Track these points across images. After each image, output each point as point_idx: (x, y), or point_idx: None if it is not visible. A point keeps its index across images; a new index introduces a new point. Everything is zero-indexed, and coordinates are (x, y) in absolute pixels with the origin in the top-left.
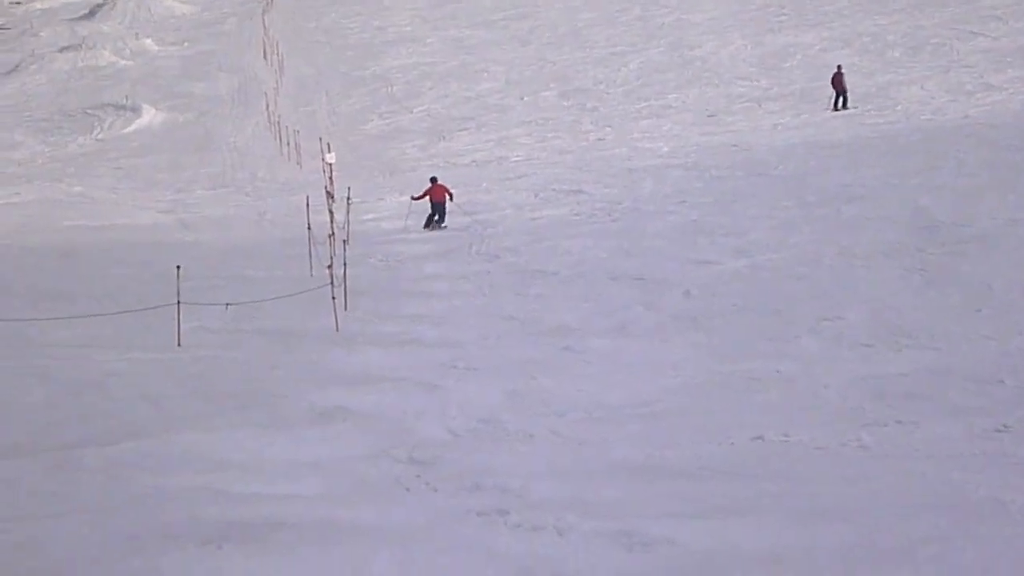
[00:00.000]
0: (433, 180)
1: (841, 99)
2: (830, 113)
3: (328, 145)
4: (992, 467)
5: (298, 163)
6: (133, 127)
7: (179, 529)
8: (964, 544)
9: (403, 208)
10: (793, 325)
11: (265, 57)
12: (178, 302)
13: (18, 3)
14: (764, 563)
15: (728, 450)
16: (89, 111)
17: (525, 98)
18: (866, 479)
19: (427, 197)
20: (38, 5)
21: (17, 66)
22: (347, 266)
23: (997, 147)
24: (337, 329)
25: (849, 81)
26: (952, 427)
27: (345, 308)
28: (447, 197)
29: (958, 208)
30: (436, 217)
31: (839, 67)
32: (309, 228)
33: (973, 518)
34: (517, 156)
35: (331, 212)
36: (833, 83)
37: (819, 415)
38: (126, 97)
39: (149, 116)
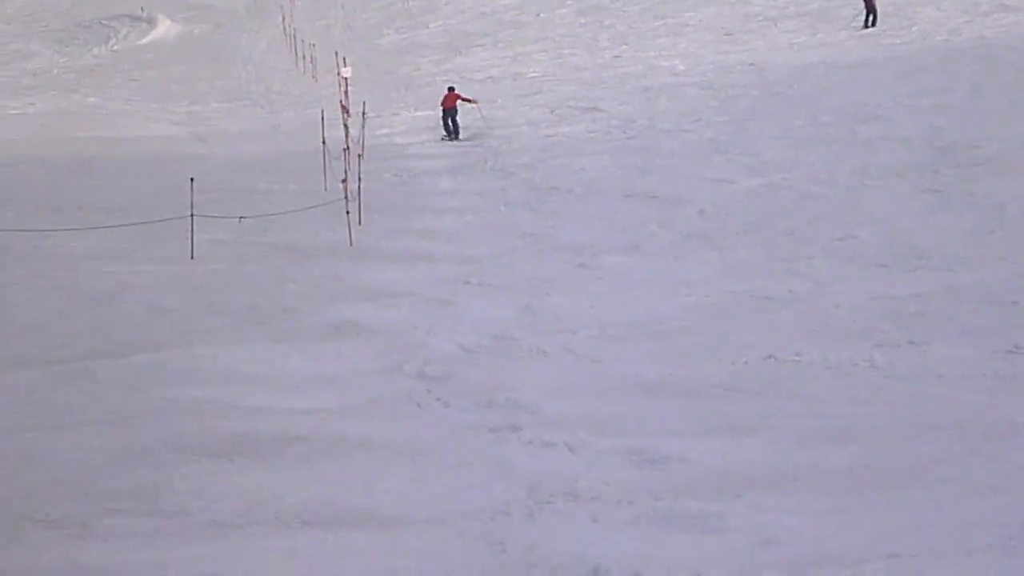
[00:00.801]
0: (450, 89)
1: (871, 17)
2: (862, 31)
3: (343, 59)
4: (1004, 388)
5: (313, 77)
6: (148, 39)
7: (191, 442)
8: (975, 465)
9: (418, 123)
10: (807, 245)
11: None
12: (191, 215)
13: None
14: (774, 481)
15: (740, 369)
16: (104, 22)
17: (541, 15)
18: (877, 399)
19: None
20: None
21: None
22: (361, 181)
23: (1013, 68)
24: (351, 244)
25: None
26: (964, 348)
27: (359, 223)
28: (457, 104)
29: (972, 129)
30: (446, 124)
31: None
32: (324, 142)
33: (984, 440)
34: (533, 73)
35: (346, 126)
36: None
37: (831, 335)
38: (142, 8)
39: (164, 28)
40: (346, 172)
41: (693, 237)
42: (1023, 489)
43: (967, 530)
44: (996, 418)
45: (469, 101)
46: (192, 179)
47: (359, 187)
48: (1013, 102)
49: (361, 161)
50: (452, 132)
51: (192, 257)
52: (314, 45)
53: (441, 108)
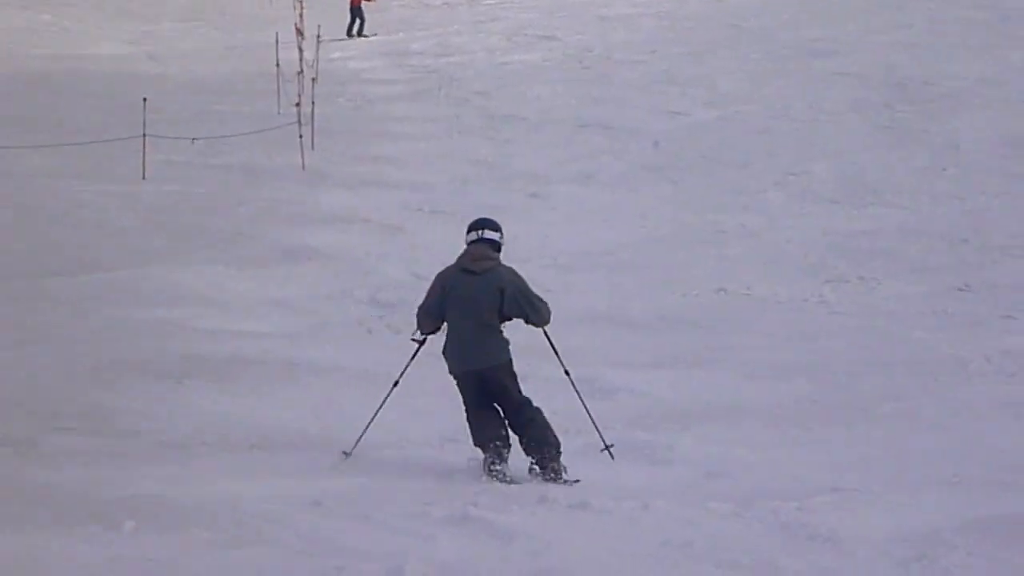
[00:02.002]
0: None
1: None
2: None
3: None
4: (953, 325)
5: None
6: None
7: (141, 363)
8: (923, 401)
9: (373, 48)
10: (760, 178)
11: None
12: (144, 135)
13: None
14: (723, 414)
15: (691, 301)
16: None
17: None
18: (827, 335)
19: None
20: None
21: None
22: (315, 104)
23: (969, 5)
24: (304, 168)
25: None
26: (915, 285)
27: (312, 147)
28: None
29: (928, 66)
30: (353, 22)
31: None
32: (278, 65)
33: (933, 377)
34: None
35: (300, 49)
36: None
37: (782, 270)
38: None
39: None
40: (300, 96)
41: (647, 168)
42: (969, 426)
43: (913, 466)
44: (945, 355)
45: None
46: (145, 99)
47: (312, 111)
48: (970, 39)
49: (315, 85)
50: (356, 29)
51: (144, 177)
52: None
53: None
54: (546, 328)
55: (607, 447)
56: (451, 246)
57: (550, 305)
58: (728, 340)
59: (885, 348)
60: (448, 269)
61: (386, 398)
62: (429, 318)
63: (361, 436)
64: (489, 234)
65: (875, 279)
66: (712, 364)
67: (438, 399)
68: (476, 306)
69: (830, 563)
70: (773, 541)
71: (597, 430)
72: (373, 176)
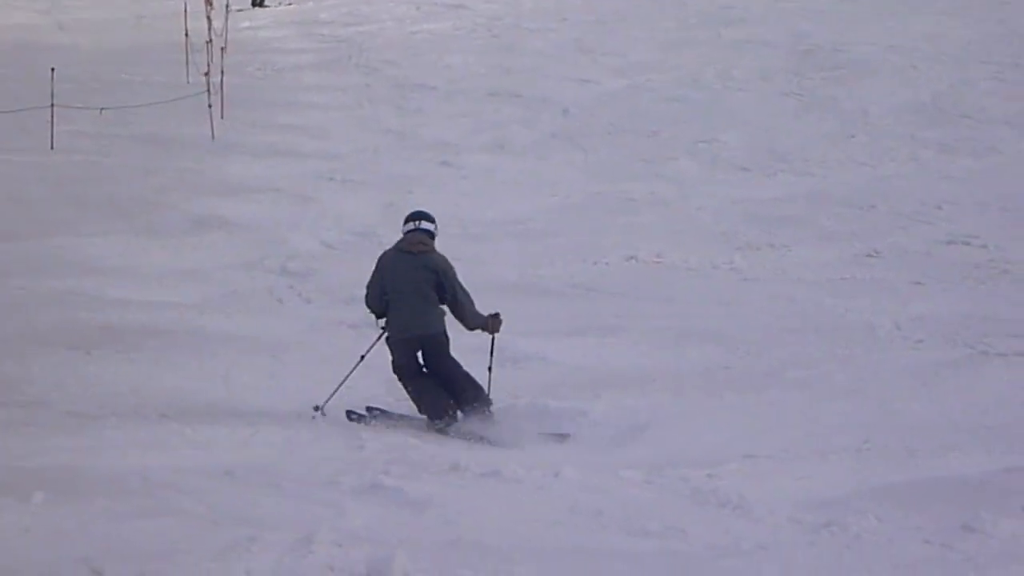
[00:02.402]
0: None
1: None
2: None
3: None
4: (862, 292)
5: None
6: None
7: (50, 333)
8: (832, 367)
9: (281, 17)
10: (670, 147)
11: None
12: (52, 104)
13: None
14: (633, 380)
15: (601, 270)
16: None
17: None
18: (737, 301)
19: None
20: None
21: None
22: (224, 74)
23: None
24: (213, 138)
25: None
26: (824, 251)
27: (222, 116)
28: None
29: (837, 33)
30: None
31: None
32: (187, 34)
33: (842, 342)
34: None
35: (209, 19)
36: None
37: (693, 237)
38: None
39: None
40: (209, 65)
41: (557, 137)
42: (878, 392)
43: (823, 432)
44: (854, 322)
45: None
46: (53, 69)
47: (222, 81)
48: (878, 7)
49: (224, 54)
50: None
51: (52, 148)
52: None
53: None
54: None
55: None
56: (362, 215)
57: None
58: (639, 308)
59: (795, 315)
60: (387, 252)
61: (351, 372)
62: (377, 301)
63: (331, 395)
64: (425, 224)
65: (785, 246)
66: (623, 332)
67: (347, 366)
68: (415, 281)
69: (740, 530)
70: (683, 508)
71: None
72: (283, 146)
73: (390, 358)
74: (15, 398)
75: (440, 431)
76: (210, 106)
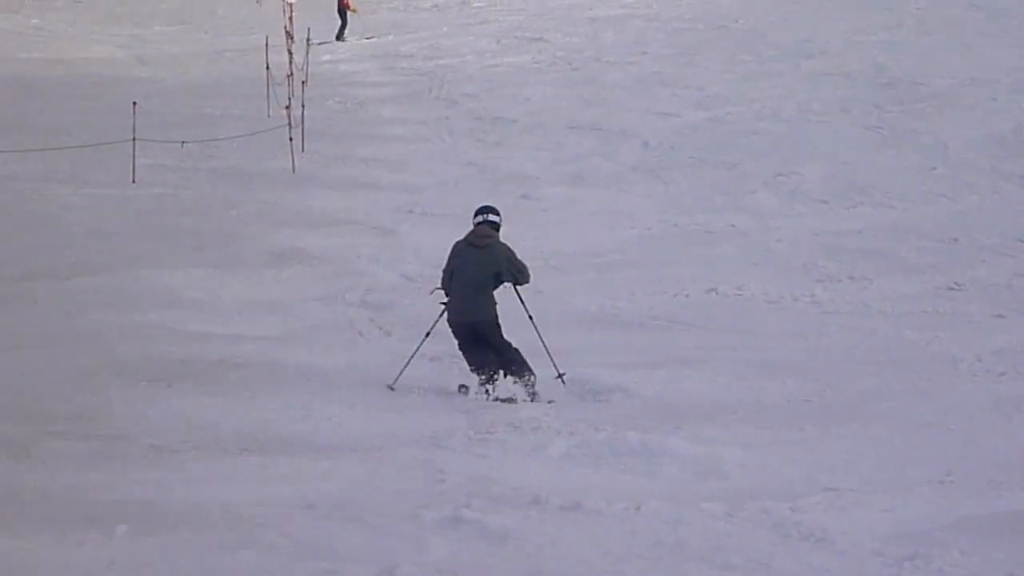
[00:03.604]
0: None
1: None
2: None
3: None
4: (943, 325)
5: (258, 2)
6: None
7: (131, 366)
8: (913, 402)
9: (362, 50)
10: (749, 179)
11: None
12: (134, 138)
13: None
14: (714, 414)
15: (682, 302)
16: None
17: None
18: (818, 334)
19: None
20: None
21: None
22: (305, 107)
23: (958, 5)
24: (293, 171)
25: None
26: (905, 284)
27: (302, 150)
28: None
29: (917, 66)
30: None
31: None
32: (267, 68)
33: (923, 375)
34: (479, 2)
35: (290, 52)
36: None
37: (772, 269)
38: None
39: None
40: (289, 98)
41: (637, 170)
42: (960, 425)
43: (904, 465)
44: (935, 354)
45: (349, 8)
46: (135, 103)
47: (302, 114)
48: (958, 39)
49: (305, 88)
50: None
51: (133, 181)
52: None
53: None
54: (518, 288)
55: (560, 375)
56: (441, 248)
57: (532, 277)
58: (719, 340)
59: (876, 347)
60: (459, 242)
61: (418, 347)
62: (448, 281)
63: (402, 370)
64: (492, 217)
65: (866, 278)
66: (703, 364)
67: (426, 398)
68: (476, 273)
69: (823, 563)
70: (765, 541)
71: (552, 361)
72: (363, 178)
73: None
74: (97, 431)
75: (482, 384)
76: (291, 139)
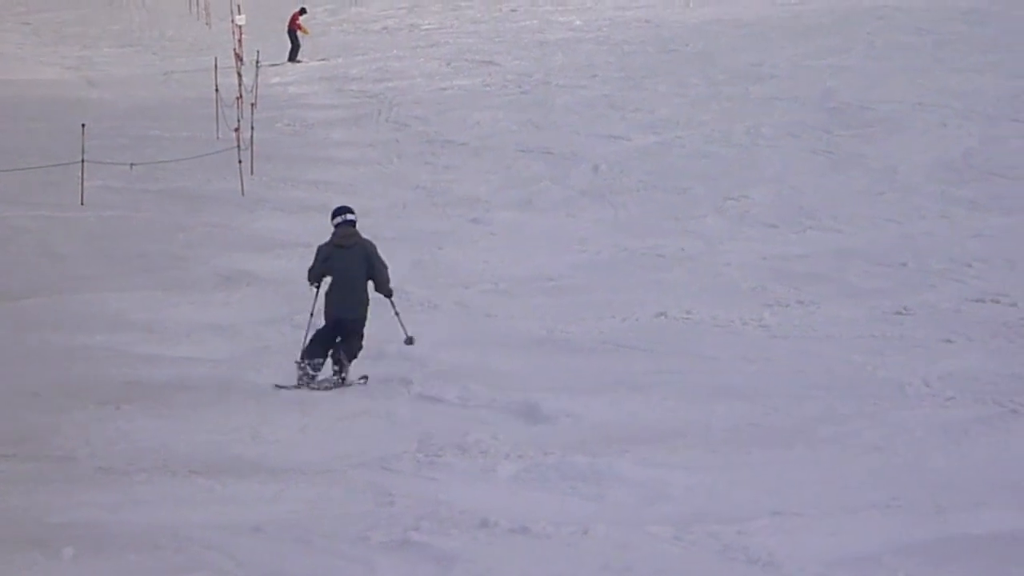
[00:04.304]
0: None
1: None
2: None
3: (238, 7)
4: (892, 350)
5: (207, 23)
6: None
7: (79, 388)
8: (861, 426)
9: (311, 73)
10: (699, 204)
11: None
12: (83, 160)
13: None
14: (662, 438)
15: (631, 326)
16: None
17: None
18: (766, 358)
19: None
20: None
21: None
22: (254, 130)
23: (907, 30)
24: (243, 193)
25: None
26: (853, 309)
27: (251, 172)
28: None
29: (866, 91)
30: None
31: None
32: (217, 90)
33: (870, 399)
34: (429, 24)
35: (239, 74)
36: None
37: (721, 293)
38: None
39: None
40: (239, 121)
41: (587, 194)
42: (908, 449)
43: (852, 489)
44: (883, 379)
45: (301, 29)
46: (83, 125)
47: (252, 136)
48: (907, 64)
49: (254, 110)
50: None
51: (82, 203)
52: None
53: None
54: (392, 299)
55: (409, 338)
56: (391, 271)
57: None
58: (668, 364)
59: (824, 371)
60: (325, 245)
61: (308, 326)
62: (313, 275)
63: (304, 347)
64: (350, 216)
65: (814, 303)
66: (652, 388)
67: (374, 422)
68: (350, 271)
69: None
70: (713, 565)
71: (401, 325)
72: (312, 201)
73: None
74: (44, 452)
75: (301, 367)
76: (240, 162)
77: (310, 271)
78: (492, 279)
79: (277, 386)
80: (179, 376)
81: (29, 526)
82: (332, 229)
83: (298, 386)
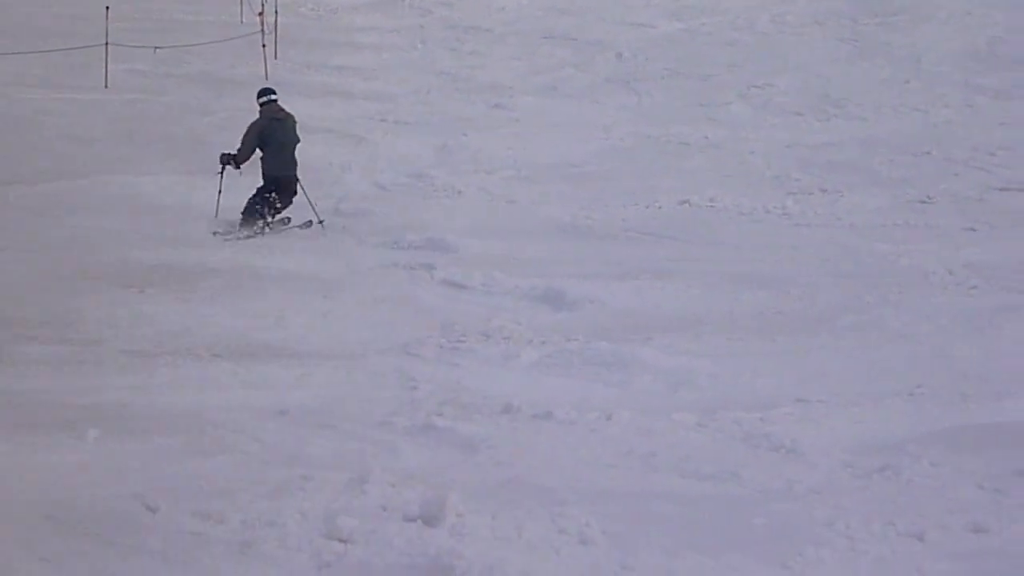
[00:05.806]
0: None
1: None
2: None
3: None
4: (915, 238)
5: None
6: None
7: (105, 271)
8: (885, 312)
9: None
10: (723, 91)
11: None
12: (106, 43)
13: None
14: (686, 324)
15: (654, 213)
16: None
17: None
18: (789, 246)
19: None
20: None
21: None
22: (278, 14)
23: None
24: (266, 78)
25: None
26: (877, 197)
27: (275, 56)
28: None
29: None
30: None
31: None
32: None
33: (894, 287)
34: None
35: None
36: None
37: (745, 181)
38: None
39: None
40: (263, 5)
41: (611, 81)
42: (932, 338)
43: (875, 377)
44: (906, 267)
45: None
46: (107, 7)
47: (276, 20)
48: None
49: None
50: None
51: (107, 86)
52: None
53: None
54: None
55: (320, 220)
56: (415, 157)
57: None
58: (691, 251)
59: (848, 260)
60: (260, 120)
61: (221, 180)
62: (248, 151)
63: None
64: (274, 96)
65: (838, 191)
66: (675, 276)
67: (399, 308)
68: (290, 140)
69: (792, 474)
70: (736, 452)
71: (312, 208)
72: (337, 86)
73: (260, 184)
74: (70, 335)
75: (265, 215)
76: (264, 46)
77: (242, 149)
78: (515, 165)
79: (215, 233)
80: (204, 261)
81: (54, 408)
82: (258, 109)
83: (250, 236)
